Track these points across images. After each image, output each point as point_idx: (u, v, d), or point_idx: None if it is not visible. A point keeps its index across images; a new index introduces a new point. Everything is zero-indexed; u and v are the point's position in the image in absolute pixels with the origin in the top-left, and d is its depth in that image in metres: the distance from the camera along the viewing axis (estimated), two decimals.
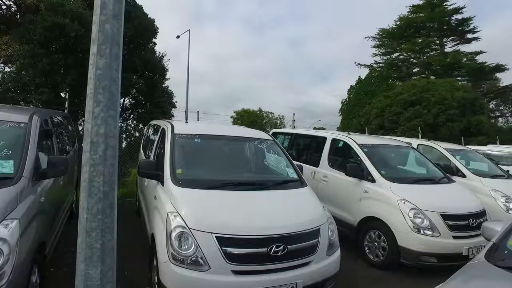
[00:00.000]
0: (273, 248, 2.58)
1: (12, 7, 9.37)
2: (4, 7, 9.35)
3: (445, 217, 3.96)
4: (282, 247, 2.61)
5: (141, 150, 6.08)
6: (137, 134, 11.11)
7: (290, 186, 3.54)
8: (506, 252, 1.61)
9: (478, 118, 17.39)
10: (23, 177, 2.53)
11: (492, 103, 30.21)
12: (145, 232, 3.68)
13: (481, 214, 4.27)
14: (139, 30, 10.42)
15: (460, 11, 26.65)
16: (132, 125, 11.48)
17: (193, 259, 2.46)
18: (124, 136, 10.44)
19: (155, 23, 11.60)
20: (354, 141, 5.20)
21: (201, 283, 2.44)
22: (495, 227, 1.87)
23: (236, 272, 2.50)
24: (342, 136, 5.60)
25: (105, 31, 1.81)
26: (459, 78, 26.25)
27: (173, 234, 2.55)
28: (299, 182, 3.65)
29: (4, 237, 2.04)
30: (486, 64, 26.17)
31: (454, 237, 3.93)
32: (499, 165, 7.30)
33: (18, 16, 9.20)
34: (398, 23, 28.82)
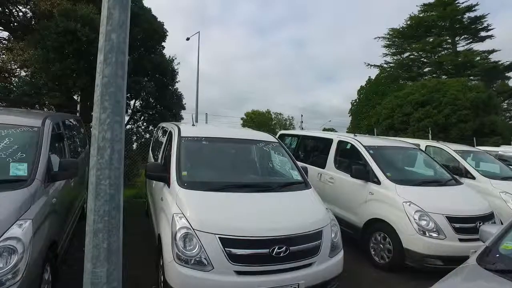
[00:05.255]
0: (275, 249, 2.64)
1: (28, 13, 9.69)
2: (20, 13, 9.67)
3: (451, 219, 3.94)
4: (284, 248, 2.66)
5: (150, 152, 6.21)
6: (147, 135, 11.27)
7: (294, 188, 3.57)
8: (497, 255, 1.61)
9: (491, 118, 17.02)
10: (36, 179, 2.66)
11: (506, 103, 29.44)
12: (153, 233, 3.78)
13: (489, 216, 4.22)
14: (149, 33, 10.56)
15: (473, 8, 26.17)
16: (143, 127, 11.65)
17: (197, 259, 2.54)
18: (135, 137, 10.60)
19: (164, 26, 11.75)
20: (360, 143, 5.19)
21: (205, 283, 2.51)
22: (491, 231, 1.87)
23: (239, 273, 2.56)
24: (348, 137, 5.59)
25: (111, 40, 1.89)
26: (471, 77, 25.73)
27: (178, 235, 2.63)
28: (303, 184, 3.68)
29: (19, 236, 2.16)
30: (500, 62, 25.61)
31: (460, 240, 3.90)
32: None
33: (33, 22, 9.48)
34: (408, 22, 28.45)
